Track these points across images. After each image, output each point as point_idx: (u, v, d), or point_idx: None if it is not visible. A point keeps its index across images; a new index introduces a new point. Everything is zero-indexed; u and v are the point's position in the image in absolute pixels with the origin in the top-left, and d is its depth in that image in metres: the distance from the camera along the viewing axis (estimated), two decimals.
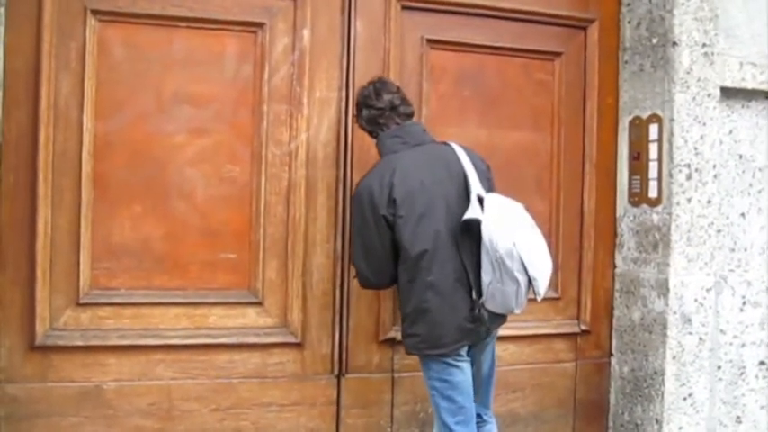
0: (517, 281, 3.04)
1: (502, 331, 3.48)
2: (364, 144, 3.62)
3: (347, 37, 3.67)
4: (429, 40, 3.84)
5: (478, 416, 3.30)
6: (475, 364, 3.27)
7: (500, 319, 3.25)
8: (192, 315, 3.49)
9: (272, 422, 3.58)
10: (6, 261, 3.26)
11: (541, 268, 3.08)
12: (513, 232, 3.02)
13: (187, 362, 3.48)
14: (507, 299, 3.09)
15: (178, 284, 3.48)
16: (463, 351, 3.17)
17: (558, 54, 4.09)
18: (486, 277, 3.07)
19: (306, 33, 3.59)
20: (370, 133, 3.37)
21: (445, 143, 3.31)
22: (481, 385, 3.34)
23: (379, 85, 3.33)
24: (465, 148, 3.29)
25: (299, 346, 3.61)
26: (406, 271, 3.13)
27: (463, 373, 3.17)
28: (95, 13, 3.35)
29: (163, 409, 3.45)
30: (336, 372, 3.67)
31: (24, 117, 3.27)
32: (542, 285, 3.10)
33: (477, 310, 3.09)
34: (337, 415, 3.68)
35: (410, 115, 3.34)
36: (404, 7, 3.75)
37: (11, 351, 3.28)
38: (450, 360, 3.14)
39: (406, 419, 3.81)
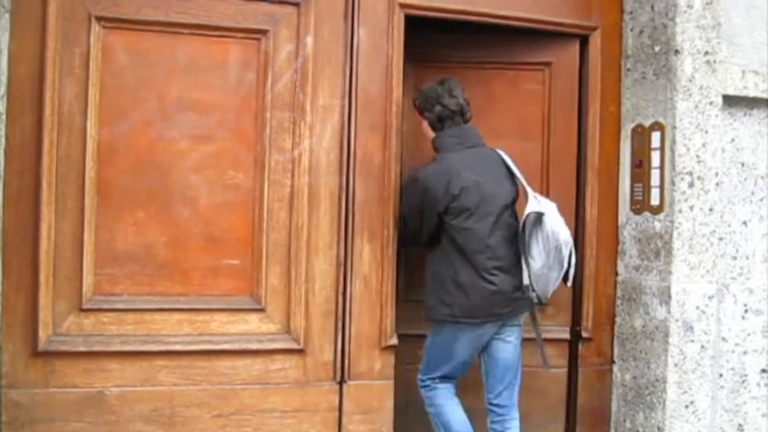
0: (562, 267, 3.52)
1: None
2: (367, 151, 3.66)
3: (350, 44, 3.68)
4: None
5: (499, 408, 3.64)
6: (491, 355, 3.64)
7: (524, 306, 3.59)
8: (195, 321, 3.49)
9: (275, 428, 3.58)
10: (10, 266, 3.26)
11: (573, 260, 3.56)
12: (564, 226, 3.53)
13: (189, 368, 3.48)
14: (549, 283, 3.57)
15: (180, 291, 3.49)
16: (482, 327, 3.54)
17: (552, 63, 4.15)
18: (535, 263, 3.52)
19: (309, 40, 3.60)
20: (431, 125, 3.65)
21: (493, 149, 3.68)
22: (493, 378, 3.66)
23: (451, 84, 3.63)
24: (508, 155, 3.68)
25: (301, 352, 3.61)
26: (454, 249, 3.52)
27: (463, 344, 3.57)
28: (100, 19, 3.36)
29: (165, 416, 3.46)
30: (338, 378, 3.67)
31: (29, 123, 3.27)
32: (572, 274, 3.59)
33: (523, 291, 3.54)
34: (339, 421, 3.67)
35: (469, 119, 3.68)
36: (407, 15, 3.75)
37: (14, 356, 3.28)
38: (464, 327, 3.53)
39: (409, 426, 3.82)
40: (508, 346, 3.63)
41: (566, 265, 3.53)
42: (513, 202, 3.66)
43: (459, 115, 3.61)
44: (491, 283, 3.47)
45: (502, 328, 3.59)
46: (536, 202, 3.53)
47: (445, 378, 3.66)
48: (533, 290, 3.55)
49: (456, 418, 3.63)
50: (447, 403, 3.66)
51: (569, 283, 3.65)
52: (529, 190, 3.59)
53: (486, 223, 3.49)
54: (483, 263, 3.47)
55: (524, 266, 3.54)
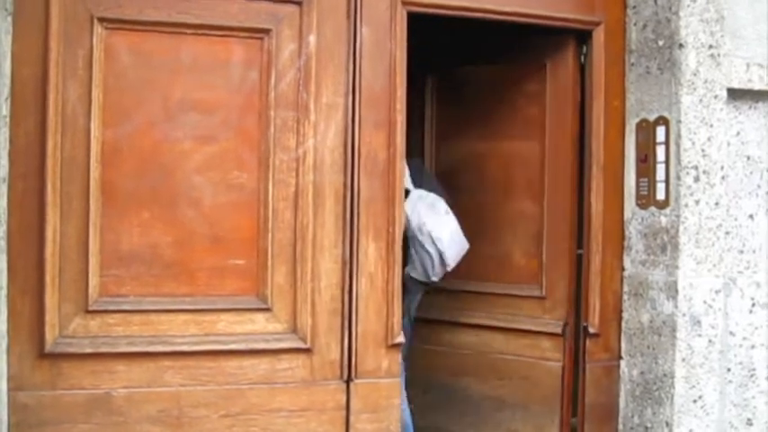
0: (429, 253, 4.11)
1: (489, 321, 4.36)
2: (371, 149, 3.65)
3: (353, 42, 3.66)
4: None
5: None
6: None
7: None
8: (201, 322, 3.49)
9: (282, 428, 3.57)
10: (15, 269, 3.25)
11: (449, 245, 4.14)
12: (424, 216, 4.12)
13: (196, 368, 3.47)
14: (427, 267, 4.16)
15: (186, 291, 3.48)
16: None
17: (550, 61, 4.18)
18: (411, 251, 4.15)
19: (312, 39, 3.59)
20: None
21: None
22: None
23: None
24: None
25: (307, 351, 3.60)
26: None
27: None
28: (102, 20, 3.34)
29: (172, 416, 3.45)
30: (345, 377, 3.66)
31: (32, 125, 3.26)
32: (450, 258, 4.14)
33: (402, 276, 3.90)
34: (347, 420, 3.66)
35: None
36: (409, 12, 3.73)
37: (21, 359, 3.27)
38: None
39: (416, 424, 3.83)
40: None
41: (432, 250, 4.13)
42: None
43: None
44: None
45: None
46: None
47: None
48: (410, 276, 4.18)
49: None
50: None
51: (449, 268, 4.17)
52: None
53: None
54: None
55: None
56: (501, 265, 4.45)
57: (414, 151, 3.78)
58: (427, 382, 4.32)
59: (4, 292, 3.22)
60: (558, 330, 4.19)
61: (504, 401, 4.25)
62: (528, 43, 4.21)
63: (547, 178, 4.24)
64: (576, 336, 4.18)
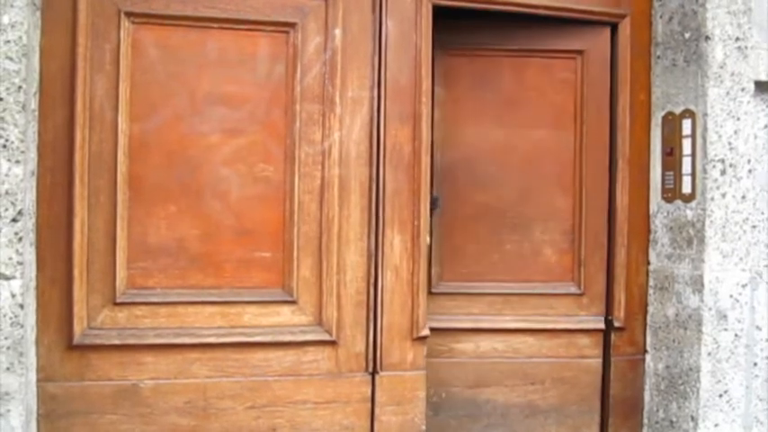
0: None
1: (520, 324, 4.09)
2: (397, 142, 3.66)
3: (378, 35, 3.67)
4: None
5: None
6: None
7: None
8: (227, 314, 3.52)
9: (307, 420, 3.59)
10: (44, 261, 3.29)
11: None
12: None
13: (222, 360, 3.51)
14: None
15: (213, 283, 3.51)
16: None
17: (585, 51, 4.14)
18: None
19: (337, 32, 3.60)
20: None
21: None
22: None
23: None
24: None
25: (333, 343, 3.62)
26: None
27: None
28: (129, 15, 3.38)
29: (198, 408, 3.48)
30: (371, 369, 3.68)
31: (60, 119, 3.30)
32: None
33: None
34: (372, 412, 3.68)
35: None
36: (435, 5, 3.73)
37: (49, 350, 3.32)
38: None
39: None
40: None
41: None
42: None
43: None
44: None
45: None
46: None
47: None
48: None
49: None
50: None
51: None
52: None
53: None
54: None
55: None
56: (528, 264, 4.22)
57: None
58: (439, 400, 4.09)
59: (33, 283, 3.25)
60: (600, 326, 4.14)
61: (536, 407, 4.15)
62: (563, 30, 4.12)
63: (585, 170, 4.15)
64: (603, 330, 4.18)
